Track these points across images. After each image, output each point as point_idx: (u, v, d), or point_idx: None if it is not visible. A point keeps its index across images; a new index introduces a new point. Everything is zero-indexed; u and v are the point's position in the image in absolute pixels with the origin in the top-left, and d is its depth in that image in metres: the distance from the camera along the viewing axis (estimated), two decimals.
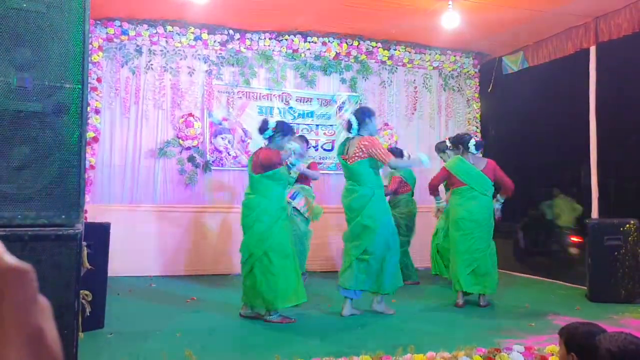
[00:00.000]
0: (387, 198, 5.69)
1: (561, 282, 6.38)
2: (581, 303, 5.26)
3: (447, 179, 5.39)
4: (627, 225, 5.28)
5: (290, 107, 7.35)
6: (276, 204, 4.43)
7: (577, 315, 4.57)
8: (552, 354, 3.33)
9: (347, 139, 4.75)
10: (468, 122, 8.10)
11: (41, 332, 0.55)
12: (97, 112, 6.50)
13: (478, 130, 8.08)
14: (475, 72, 8.15)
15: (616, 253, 5.25)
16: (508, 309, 5.03)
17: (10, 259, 0.55)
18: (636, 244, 5.26)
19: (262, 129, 4.53)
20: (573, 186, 7.09)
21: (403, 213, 6.37)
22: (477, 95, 8.14)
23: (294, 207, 5.55)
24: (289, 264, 4.38)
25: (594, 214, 6.17)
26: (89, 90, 6.18)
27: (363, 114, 4.65)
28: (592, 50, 6.29)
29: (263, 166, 4.38)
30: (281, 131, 4.51)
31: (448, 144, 6.06)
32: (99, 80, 6.52)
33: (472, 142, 5.19)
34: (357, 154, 4.52)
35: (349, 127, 4.67)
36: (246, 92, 7.17)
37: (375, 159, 4.48)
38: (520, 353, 3.38)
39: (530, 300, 5.41)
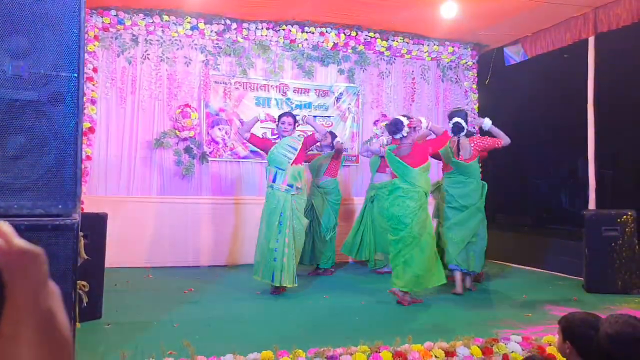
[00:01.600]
0: None
1: (558, 273, 6.40)
2: (578, 294, 5.28)
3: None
4: (624, 217, 5.30)
5: (288, 98, 7.31)
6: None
7: (574, 306, 4.59)
8: (549, 344, 3.34)
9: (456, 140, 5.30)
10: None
11: (52, 314, 0.56)
12: (93, 102, 6.46)
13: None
14: (473, 63, 8.12)
15: (613, 244, 5.27)
16: (505, 300, 5.04)
17: (22, 242, 0.55)
18: (633, 235, 5.28)
19: (399, 129, 4.77)
20: (571, 177, 7.10)
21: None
22: (474, 86, 8.12)
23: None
24: (434, 249, 4.87)
25: (592, 205, 6.18)
26: (84, 79, 6.18)
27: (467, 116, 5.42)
28: (591, 40, 6.27)
29: (424, 161, 4.81)
30: (414, 125, 4.85)
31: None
32: (95, 70, 6.47)
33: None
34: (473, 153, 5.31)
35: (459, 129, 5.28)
36: (243, 82, 7.13)
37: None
38: (518, 343, 3.39)
39: (528, 291, 5.43)
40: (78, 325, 2.55)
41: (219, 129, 7.01)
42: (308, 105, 7.39)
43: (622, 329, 1.72)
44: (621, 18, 5.78)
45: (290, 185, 5.07)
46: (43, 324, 0.54)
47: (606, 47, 6.20)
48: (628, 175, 6.45)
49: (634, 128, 6.64)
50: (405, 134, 4.76)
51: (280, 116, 5.35)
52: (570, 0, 5.96)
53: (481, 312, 4.53)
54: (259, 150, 6.01)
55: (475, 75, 8.13)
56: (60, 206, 2.40)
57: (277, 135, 5.75)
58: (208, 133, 6.96)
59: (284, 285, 4.95)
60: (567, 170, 7.33)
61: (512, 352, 3.32)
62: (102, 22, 6.46)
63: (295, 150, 5.13)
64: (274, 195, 5.07)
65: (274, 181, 5.11)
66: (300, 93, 7.38)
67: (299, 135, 5.43)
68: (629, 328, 1.72)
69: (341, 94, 7.54)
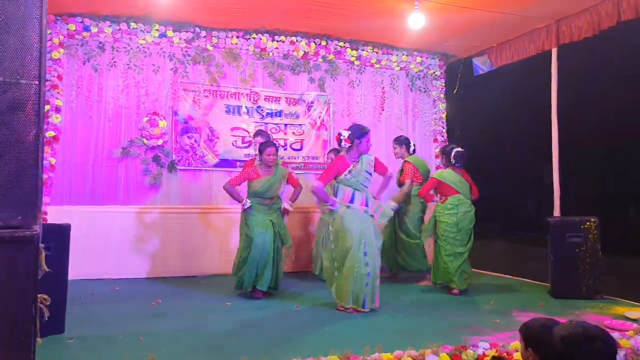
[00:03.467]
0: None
1: (525, 279, 6.52)
2: (544, 299, 5.38)
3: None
4: (588, 223, 5.43)
5: (259, 106, 7.29)
6: None
7: (540, 312, 4.67)
8: (517, 350, 3.38)
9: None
10: (434, 122, 8.19)
11: None
12: (57, 110, 6.30)
13: (444, 131, 8.19)
14: (441, 73, 8.25)
15: (577, 250, 5.39)
16: (474, 306, 5.10)
17: None
18: (596, 241, 5.40)
19: (463, 158, 5.77)
20: (536, 185, 7.26)
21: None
22: (442, 95, 8.24)
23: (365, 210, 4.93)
24: None
25: (556, 212, 6.32)
26: (48, 87, 6.05)
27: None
28: (554, 52, 6.45)
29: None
30: None
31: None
32: (59, 77, 6.32)
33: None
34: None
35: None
36: (213, 90, 7.07)
37: None
38: (486, 350, 3.42)
39: (496, 297, 5.50)
40: (39, 340, 2.46)
41: (188, 137, 6.92)
42: (279, 114, 7.38)
43: (574, 331, 1.83)
44: (582, 30, 5.96)
45: (367, 205, 4.89)
46: None
47: (568, 58, 6.39)
48: (590, 183, 6.62)
49: (596, 137, 6.84)
50: (462, 162, 5.78)
51: (363, 133, 4.89)
52: (533, 13, 6.11)
53: (450, 319, 4.56)
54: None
55: (443, 84, 8.26)
56: (20, 217, 2.33)
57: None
58: (177, 141, 6.87)
59: (374, 308, 4.78)
60: (532, 178, 7.49)
61: None
62: (67, 29, 6.33)
63: (371, 175, 4.97)
64: (354, 216, 4.80)
65: (351, 202, 4.84)
66: (271, 101, 7.37)
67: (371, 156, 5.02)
68: (580, 329, 1.83)
69: (312, 102, 7.56)
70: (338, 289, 4.81)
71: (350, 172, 4.86)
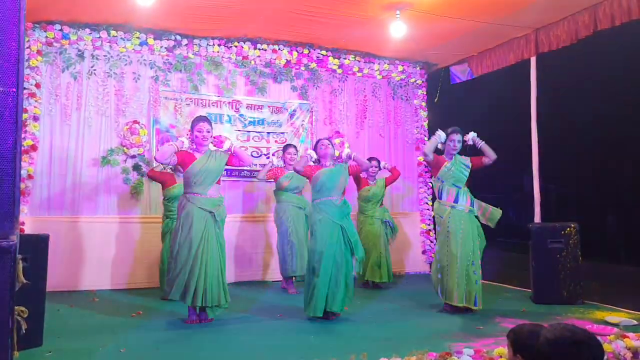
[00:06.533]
0: None
1: (507, 285, 6.56)
2: (526, 305, 5.42)
3: None
4: (568, 229, 5.50)
5: (241, 115, 7.26)
6: None
7: (522, 317, 4.70)
8: (500, 356, 3.39)
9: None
10: (416, 130, 8.25)
11: None
12: (35, 119, 6.20)
13: (426, 139, 8.24)
14: (423, 82, 8.32)
15: (558, 256, 5.45)
16: (457, 313, 5.10)
17: None
18: (576, 247, 5.48)
19: None
20: (517, 192, 7.33)
21: None
22: (424, 104, 8.31)
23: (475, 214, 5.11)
24: None
25: (537, 218, 6.39)
26: (26, 96, 5.95)
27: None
28: (533, 60, 6.55)
29: None
30: None
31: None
32: (37, 85, 6.22)
33: None
34: None
35: None
36: (194, 98, 7.03)
37: None
38: (470, 356, 3.43)
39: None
40: (16, 354, 2.41)
41: (170, 145, 6.84)
42: (261, 122, 7.36)
43: (562, 334, 1.81)
44: (561, 39, 6.06)
45: (472, 205, 5.09)
46: None
47: (547, 67, 6.49)
48: (569, 189, 6.72)
49: (575, 143, 6.94)
50: None
51: (450, 133, 5.28)
52: (513, 22, 6.21)
53: (434, 326, 4.56)
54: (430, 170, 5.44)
55: (425, 93, 8.34)
56: None
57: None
58: (158, 150, 6.79)
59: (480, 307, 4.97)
60: (513, 185, 7.58)
61: None
62: (46, 36, 6.24)
63: (469, 168, 5.19)
64: (459, 216, 5.01)
65: (456, 201, 5.05)
66: (254, 109, 7.34)
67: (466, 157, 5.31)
68: (568, 333, 1.82)
69: (294, 110, 7.55)
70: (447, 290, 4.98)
71: (452, 165, 5.16)
